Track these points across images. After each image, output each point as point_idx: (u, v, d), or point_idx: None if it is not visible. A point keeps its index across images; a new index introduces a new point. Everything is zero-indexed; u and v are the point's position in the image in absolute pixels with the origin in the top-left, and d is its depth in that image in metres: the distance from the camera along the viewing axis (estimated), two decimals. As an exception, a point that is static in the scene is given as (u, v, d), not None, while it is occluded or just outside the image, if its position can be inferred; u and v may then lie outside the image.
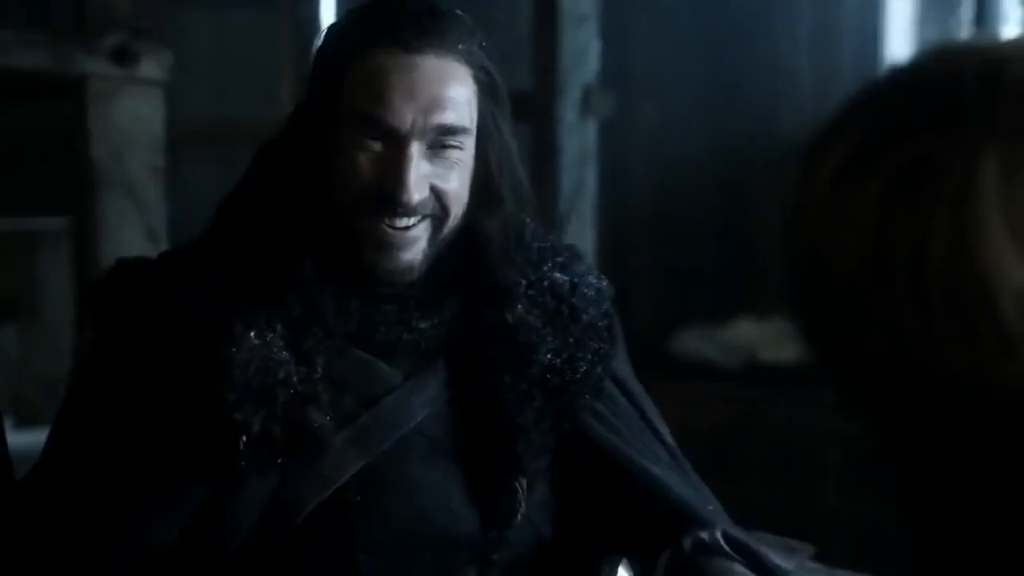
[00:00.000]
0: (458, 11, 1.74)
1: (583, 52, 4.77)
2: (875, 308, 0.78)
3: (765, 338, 5.66)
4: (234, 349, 1.65)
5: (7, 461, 1.85)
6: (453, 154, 1.69)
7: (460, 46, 1.69)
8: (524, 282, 1.83)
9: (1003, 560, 0.79)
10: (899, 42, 6.19)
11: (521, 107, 5.15)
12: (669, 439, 1.97)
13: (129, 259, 1.80)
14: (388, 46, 1.66)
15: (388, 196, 1.67)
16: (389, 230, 1.69)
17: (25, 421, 5.02)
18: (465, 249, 1.77)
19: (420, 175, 1.67)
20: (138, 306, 1.72)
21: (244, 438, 1.65)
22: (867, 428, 0.86)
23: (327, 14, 6.53)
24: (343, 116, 1.68)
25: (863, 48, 6.22)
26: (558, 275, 1.86)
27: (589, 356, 1.84)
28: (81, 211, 4.02)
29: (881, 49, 6.20)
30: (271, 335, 1.67)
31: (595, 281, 1.91)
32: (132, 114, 3.97)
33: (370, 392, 1.76)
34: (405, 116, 1.65)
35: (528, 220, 1.88)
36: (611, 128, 5.24)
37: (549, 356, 1.80)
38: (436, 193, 1.70)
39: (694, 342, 5.81)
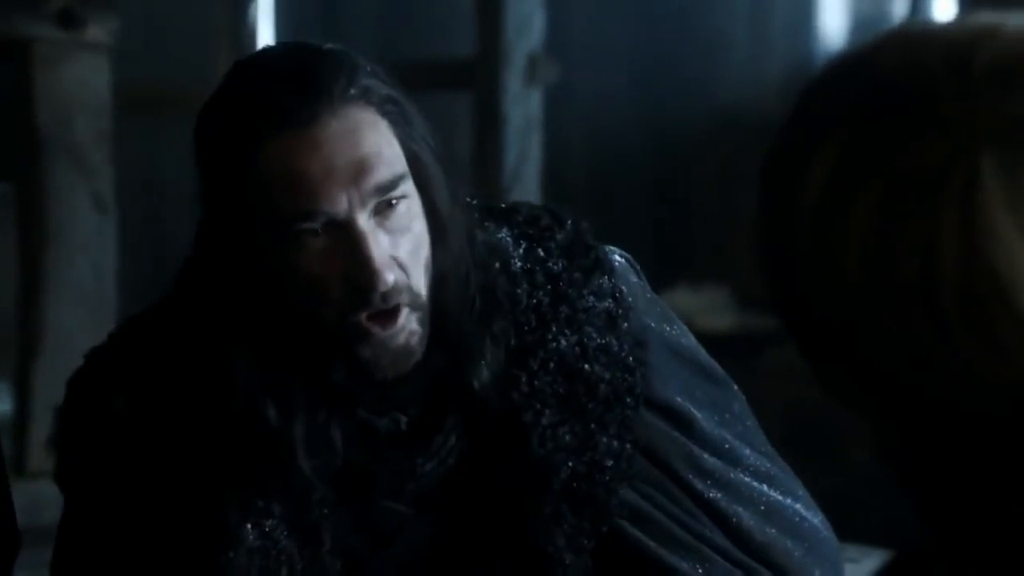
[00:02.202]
0: (329, 46, 1.49)
1: (528, 20, 4.77)
2: (885, 322, 0.78)
3: (701, 306, 5.70)
4: (231, 554, 1.48)
5: None
6: (401, 208, 1.44)
7: (352, 90, 1.43)
8: (526, 373, 1.54)
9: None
10: (833, 12, 6.24)
11: (465, 76, 5.19)
12: (714, 468, 1.63)
13: (90, 397, 1.57)
14: (279, 132, 1.41)
15: (362, 289, 1.42)
16: (375, 327, 1.44)
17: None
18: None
19: (383, 251, 1.42)
20: (114, 474, 1.53)
21: None
22: (873, 428, 0.86)
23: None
24: (267, 228, 1.44)
25: (797, 18, 6.26)
26: (564, 341, 1.55)
27: (615, 440, 1.56)
28: (25, 177, 3.97)
29: (815, 19, 6.25)
30: (270, 522, 1.49)
31: (610, 305, 1.58)
32: (78, 78, 3.92)
33: (380, 534, 1.56)
34: (337, 196, 1.41)
35: (501, 238, 1.58)
36: (547, 98, 5.25)
37: (571, 464, 1.53)
38: (399, 265, 1.45)
39: (630, 310, 5.84)
